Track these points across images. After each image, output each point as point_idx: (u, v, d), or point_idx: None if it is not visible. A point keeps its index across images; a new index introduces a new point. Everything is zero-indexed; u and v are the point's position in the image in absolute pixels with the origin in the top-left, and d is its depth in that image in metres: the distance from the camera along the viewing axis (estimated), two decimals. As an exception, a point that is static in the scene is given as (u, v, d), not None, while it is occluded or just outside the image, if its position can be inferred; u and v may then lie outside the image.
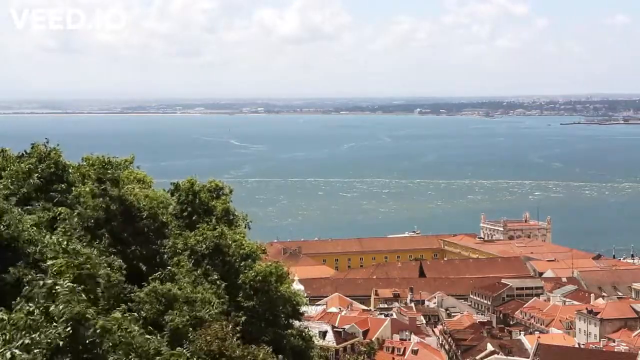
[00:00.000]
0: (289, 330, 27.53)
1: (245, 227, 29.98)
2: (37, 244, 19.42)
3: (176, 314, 21.77)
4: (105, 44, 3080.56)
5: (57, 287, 16.06)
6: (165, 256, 25.05)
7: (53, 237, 20.66)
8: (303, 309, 30.06)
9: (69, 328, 15.34)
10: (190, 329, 20.91)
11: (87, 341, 15.80)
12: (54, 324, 15.36)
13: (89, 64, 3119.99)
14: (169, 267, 24.33)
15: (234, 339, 21.00)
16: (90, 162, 26.65)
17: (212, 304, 22.72)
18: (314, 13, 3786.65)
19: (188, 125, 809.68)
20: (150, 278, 23.18)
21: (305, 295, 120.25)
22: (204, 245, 25.81)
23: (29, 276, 17.92)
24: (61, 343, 15.18)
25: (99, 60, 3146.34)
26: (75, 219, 23.44)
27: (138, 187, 26.62)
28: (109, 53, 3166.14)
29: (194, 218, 27.70)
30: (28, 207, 23.33)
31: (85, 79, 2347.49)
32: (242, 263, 26.75)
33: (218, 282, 24.77)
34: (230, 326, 21.54)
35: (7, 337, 14.97)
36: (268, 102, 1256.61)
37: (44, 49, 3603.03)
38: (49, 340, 15.00)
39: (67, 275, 17.26)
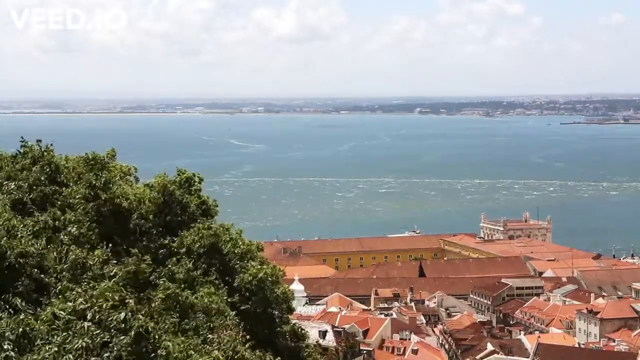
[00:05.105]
0: (283, 327, 27.02)
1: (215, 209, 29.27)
2: (29, 256, 18.51)
3: (192, 324, 20.50)
4: (103, 44, 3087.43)
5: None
6: (161, 256, 24.56)
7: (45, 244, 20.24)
8: (294, 303, 29.33)
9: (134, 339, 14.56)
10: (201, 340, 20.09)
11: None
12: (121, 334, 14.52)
13: (88, 63, 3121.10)
14: (169, 266, 23.65)
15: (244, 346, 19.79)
16: (77, 161, 26.32)
17: (226, 314, 21.91)
18: (310, 13, 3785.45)
19: (188, 125, 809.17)
20: (160, 280, 21.83)
21: (305, 295, 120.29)
22: (200, 244, 25.23)
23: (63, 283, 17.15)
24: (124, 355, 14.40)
25: (98, 60, 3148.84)
26: (69, 220, 23.19)
27: (127, 184, 26.22)
28: (108, 53, 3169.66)
29: (167, 219, 26.81)
30: (22, 209, 23.04)
31: (84, 78, 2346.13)
32: (238, 263, 26.13)
33: (219, 284, 24.04)
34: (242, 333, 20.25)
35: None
36: (268, 102, 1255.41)
37: (43, 49, 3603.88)
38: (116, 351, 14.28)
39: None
